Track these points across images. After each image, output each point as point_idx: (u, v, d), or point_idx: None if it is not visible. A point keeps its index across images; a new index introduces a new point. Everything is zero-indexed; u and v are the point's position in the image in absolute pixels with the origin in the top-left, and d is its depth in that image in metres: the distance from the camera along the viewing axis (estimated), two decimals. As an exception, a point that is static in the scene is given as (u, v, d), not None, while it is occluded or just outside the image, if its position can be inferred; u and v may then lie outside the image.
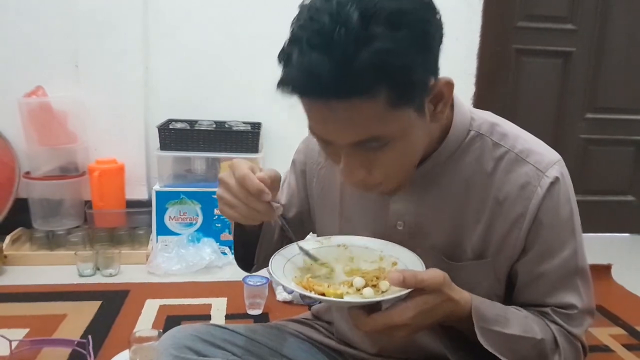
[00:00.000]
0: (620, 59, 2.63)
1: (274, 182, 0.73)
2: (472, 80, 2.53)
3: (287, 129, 2.60)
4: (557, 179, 0.73)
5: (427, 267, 0.71)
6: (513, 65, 2.60)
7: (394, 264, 0.75)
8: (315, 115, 0.64)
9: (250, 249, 0.88)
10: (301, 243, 0.78)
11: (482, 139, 0.76)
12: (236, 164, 0.73)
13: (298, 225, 0.94)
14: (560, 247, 0.75)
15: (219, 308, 1.76)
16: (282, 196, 0.95)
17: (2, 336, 1.37)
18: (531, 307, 0.78)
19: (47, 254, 2.09)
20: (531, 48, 2.59)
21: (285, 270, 0.73)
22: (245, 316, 1.72)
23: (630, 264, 2.30)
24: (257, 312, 1.73)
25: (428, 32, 0.61)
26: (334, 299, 0.67)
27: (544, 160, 0.74)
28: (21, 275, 1.95)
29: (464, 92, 2.50)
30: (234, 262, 0.94)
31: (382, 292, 0.68)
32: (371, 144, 0.64)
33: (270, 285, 1.83)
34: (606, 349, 1.62)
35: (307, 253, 0.76)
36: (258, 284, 1.72)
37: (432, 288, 0.66)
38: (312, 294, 0.68)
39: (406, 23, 0.58)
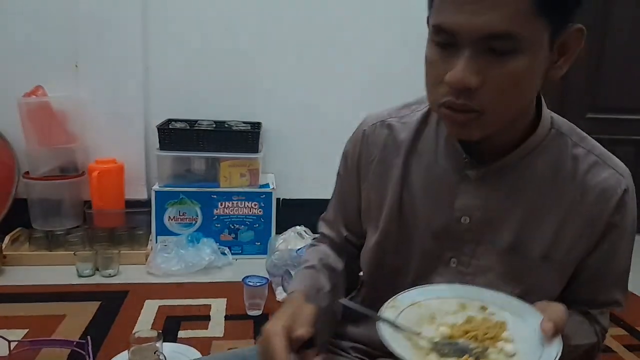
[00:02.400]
0: (620, 59, 2.63)
1: (312, 327, 0.68)
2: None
3: (287, 129, 2.61)
4: (632, 185, 0.75)
5: (489, 266, 0.74)
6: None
7: (483, 308, 0.68)
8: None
9: None
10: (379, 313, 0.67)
11: (562, 138, 0.75)
12: (270, 353, 0.65)
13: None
14: (624, 249, 0.78)
15: (218, 309, 1.75)
16: (342, 202, 0.89)
17: (1, 336, 1.37)
18: (579, 305, 0.78)
19: (46, 254, 2.09)
20: (531, 48, 2.59)
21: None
22: (245, 317, 1.72)
23: (632, 265, 2.29)
24: (256, 312, 1.73)
25: None
26: None
27: (622, 167, 0.76)
28: (20, 276, 1.94)
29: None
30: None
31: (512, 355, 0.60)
32: (500, 44, 0.61)
33: (270, 286, 1.83)
34: (607, 349, 1.61)
35: (392, 324, 0.65)
36: (258, 284, 1.72)
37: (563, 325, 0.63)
38: None
39: None
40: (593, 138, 0.81)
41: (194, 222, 2.21)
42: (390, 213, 0.81)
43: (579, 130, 0.78)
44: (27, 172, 2.26)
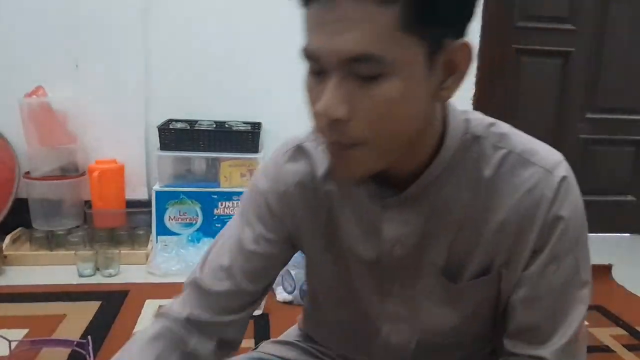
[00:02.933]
0: (620, 59, 2.63)
1: None
2: (472, 80, 2.52)
3: (287, 129, 2.60)
4: (564, 178, 0.66)
5: (430, 290, 0.70)
6: (513, 65, 2.60)
7: None
8: (316, 18, 0.55)
9: None
10: None
11: (479, 143, 0.68)
12: None
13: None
14: (567, 252, 0.68)
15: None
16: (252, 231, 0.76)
17: (1, 336, 1.37)
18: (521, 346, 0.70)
19: (47, 254, 2.09)
20: (531, 48, 2.59)
21: None
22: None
23: (631, 264, 2.30)
24: (257, 312, 1.73)
25: None
26: None
27: (549, 159, 0.67)
28: (21, 276, 1.94)
29: (464, 92, 2.48)
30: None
31: None
32: (364, 67, 0.54)
33: (270, 286, 1.83)
34: (607, 349, 1.62)
35: None
36: (258, 284, 1.72)
37: None
38: None
39: None
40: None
41: (194, 222, 2.22)
42: (323, 254, 0.76)
43: (499, 126, 0.70)
44: (28, 172, 2.27)
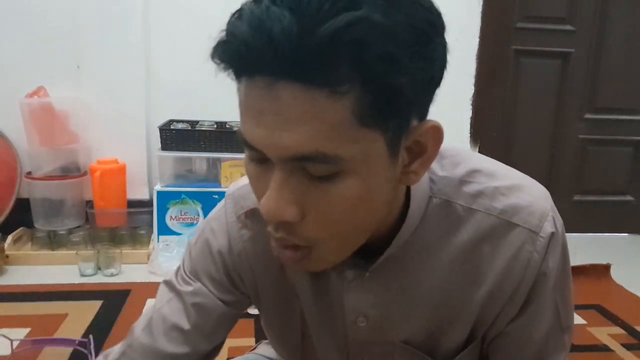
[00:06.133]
0: (619, 60, 2.64)
1: None
2: (471, 80, 2.54)
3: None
4: (552, 235, 0.59)
5: None
6: (512, 66, 2.61)
7: None
8: (253, 102, 0.46)
9: None
10: None
11: (449, 207, 0.59)
12: None
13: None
14: (551, 303, 0.63)
15: (219, 307, 1.76)
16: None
17: (3, 336, 1.38)
18: None
19: (49, 254, 2.10)
20: (530, 49, 2.60)
21: None
22: (246, 315, 1.73)
23: (629, 264, 2.30)
24: (255, 311, 1.73)
25: (431, 40, 0.47)
26: None
27: (534, 214, 0.59)
28: (22, 275, 1.96)
29: (463, 92, 2.52)
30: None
31: None
32: (315, 167, 0.46)
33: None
34: (605, 348, 1.63)
35: None
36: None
37: None
38: None
39: (408, 11, 0.44)
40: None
41: (195, 221, 2.23)
42: (281, 317, 0.71)
43: (471, 180, 0.60)
44: (29, 172, 2.28)
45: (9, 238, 2.11)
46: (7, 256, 2.02)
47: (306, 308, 0.66)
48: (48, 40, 2.28)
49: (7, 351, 1.39)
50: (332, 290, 0.63)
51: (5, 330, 1.45)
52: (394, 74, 0.43)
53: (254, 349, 0.93)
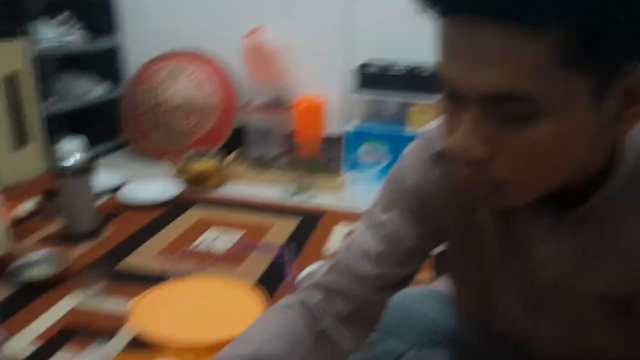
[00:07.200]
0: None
1: None
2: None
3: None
4: None
5: (595, 329, 0.62)
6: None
7: None
8: (451, 41, 0.46)
9: None
10: None
11: None
12: None
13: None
14: None
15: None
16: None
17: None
18: None
19: (258, 174, 2.43)
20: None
21: None
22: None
23: None
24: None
25: None
26: None
27: None
28: (238, 189, 2.33)
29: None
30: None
31: None
32: (511, 107, 0.45)
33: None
34: None
35: None
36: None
37: None
38: None
39: None
40: None
41: (382, 160, 2.39)
42: (467, 266, 0.72)
43: None
44: (245, 104, 2.63)
45: (229, 158, 2.51)
46: (226, 173, 2.41)
47: (489, 248, 0.66)
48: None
49: (225, 248, 1.75)
50: (520, 234, 0.62)
51: (225, 229, 1.85)
52: (605, 13, 0.40)
53: (431, 283, 0.98)
